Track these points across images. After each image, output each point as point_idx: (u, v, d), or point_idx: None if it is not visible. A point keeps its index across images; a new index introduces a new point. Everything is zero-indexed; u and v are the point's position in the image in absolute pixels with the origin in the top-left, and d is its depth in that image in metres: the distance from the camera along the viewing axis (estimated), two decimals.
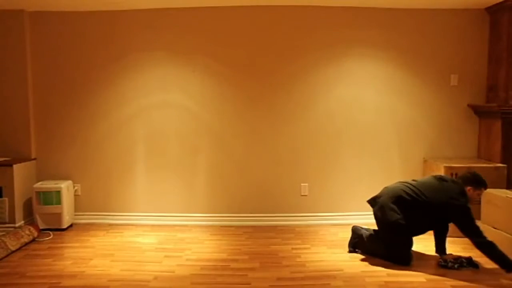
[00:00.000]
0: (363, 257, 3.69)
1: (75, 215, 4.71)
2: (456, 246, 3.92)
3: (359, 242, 3.79)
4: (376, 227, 3.79)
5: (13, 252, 3.81)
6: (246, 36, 4.60)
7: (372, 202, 3.76)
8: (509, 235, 3.53)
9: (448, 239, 4.09)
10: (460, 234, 4.12)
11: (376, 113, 4.66)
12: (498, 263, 3.29)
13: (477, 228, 3.40)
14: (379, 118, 4.67)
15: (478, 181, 3.56)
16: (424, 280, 3.25)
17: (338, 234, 4.30)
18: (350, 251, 3.82)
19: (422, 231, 3.70)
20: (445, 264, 3.52)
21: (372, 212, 3.75)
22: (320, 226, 4.58)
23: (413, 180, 3.75)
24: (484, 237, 3.36)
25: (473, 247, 3.88)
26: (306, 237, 4.28)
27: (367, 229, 3.84)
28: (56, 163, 4.73)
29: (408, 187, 3.64)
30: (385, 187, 3.77)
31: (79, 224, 4.68)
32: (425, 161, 4.63)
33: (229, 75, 4.63)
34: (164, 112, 4.67)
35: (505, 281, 3.21)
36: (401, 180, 3.82)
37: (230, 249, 3.96)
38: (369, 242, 3.73)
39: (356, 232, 3.85)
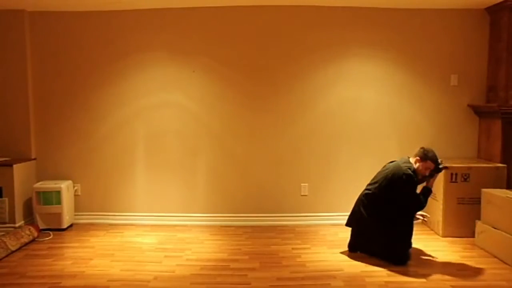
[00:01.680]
0: (363, 257, 3.69)
1: (75, 215, 4.71)
2: (457, 246, 3.93)
3: (358, 242, 3.80)
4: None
5: (13, 252, 3.80)
6: (246, 36, 4.60)
7: (349, 222, 3.86)
8: (509, 235, 3.53)
9: (447, 239, 4.11)
10: (460, 234, 4.15)
11: (376, 113, 4.66)
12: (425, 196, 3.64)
13: (417, 196, 3.61)
14: (379, 118, 4.67)
15: (425, 155, 3.63)
16: (424, 280, 3.24)
17: (338, 234, 4.30)
18: (350, 251, 3.82)
19: (407, 222, 3.69)
20: None
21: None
22: (320, 226, 4.58)
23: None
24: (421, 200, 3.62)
25: (473, 247, 3.90)
26: (306, 237, 4.28)
27: None
28: (56, 163, 4.73)
29: (366, 187, 3.81)
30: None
31: (79, 224, 4.68)
32: None
33: (229, 75, 4.62)
34: (164, 112, 4.67)
35: (505, 283, 3.22)
36: None
37: (230, 249, 3.96)
38: (367, 242, 3.74)
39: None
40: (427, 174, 3.68)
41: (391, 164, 3.79)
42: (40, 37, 4.62)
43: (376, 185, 3.70)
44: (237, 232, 4.43)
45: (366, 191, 3.77)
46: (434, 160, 3.64)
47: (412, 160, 3.70)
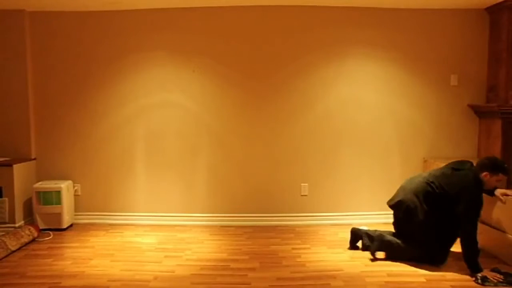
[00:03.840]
0: (363, 257, 3.69)
1: (75, 215, 4.71)
2: (457, 246, 3.91)
3: (385, 249, 3.65)
4: (388, 230, 3.75)
5: (13, 252, 3.81)
6: (246, 36, 4.60)
7: (397, 205, 3.61)
8: (509, 235, 3.53)
9: None
10: None
11: (376, 113, 4.66)
12: (469, 265, 3.28)
13: (475, 227, 3.28)
14: (379, 118, 4.67)
15: (495, 166, 3.37)
16: (424, 280, 3.24)
17: (338, 234, 4.30)
18: (350, 248, 3.81)
19: (452, 228, 3.48)
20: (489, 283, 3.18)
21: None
22: (320, 226, 4.58)
23: (428, 173, 3.63)
24: (475, 239, 3.27)
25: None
26: (306, 237, 4.28)
27: (373, 231, 3.76)
28: (56, 163, 4.73)
29: (429, 179, 3.52)
30: (403, 187, 3.65)
31: (79, 224, 4.68)
32: (425, 161, 4.63)
33: (229, 75, 4.63)
34: (164, 112, 4.67)
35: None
36: (415, 175, 3.73)
37: (230, 249, 3.97)
38: (401, 252, 3.58)
39: (356, 233, 3.84)
40: (498, 186, 3.47)
41: (460, 173, 3.44)
42: (40, 37, 4.62)
43: (441, 188, 3.43)
44: (237, 232, 4.43)
45: (431, 181, 3.48)
46: (507, 171, 3.37)
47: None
